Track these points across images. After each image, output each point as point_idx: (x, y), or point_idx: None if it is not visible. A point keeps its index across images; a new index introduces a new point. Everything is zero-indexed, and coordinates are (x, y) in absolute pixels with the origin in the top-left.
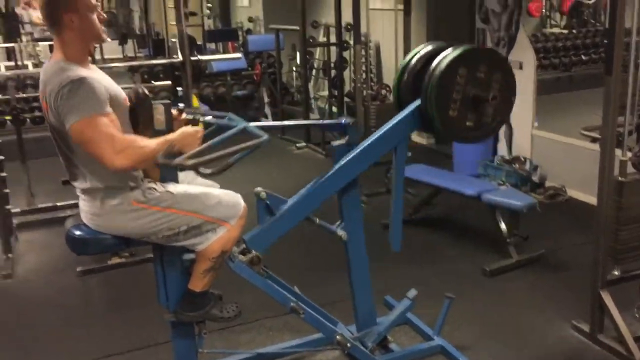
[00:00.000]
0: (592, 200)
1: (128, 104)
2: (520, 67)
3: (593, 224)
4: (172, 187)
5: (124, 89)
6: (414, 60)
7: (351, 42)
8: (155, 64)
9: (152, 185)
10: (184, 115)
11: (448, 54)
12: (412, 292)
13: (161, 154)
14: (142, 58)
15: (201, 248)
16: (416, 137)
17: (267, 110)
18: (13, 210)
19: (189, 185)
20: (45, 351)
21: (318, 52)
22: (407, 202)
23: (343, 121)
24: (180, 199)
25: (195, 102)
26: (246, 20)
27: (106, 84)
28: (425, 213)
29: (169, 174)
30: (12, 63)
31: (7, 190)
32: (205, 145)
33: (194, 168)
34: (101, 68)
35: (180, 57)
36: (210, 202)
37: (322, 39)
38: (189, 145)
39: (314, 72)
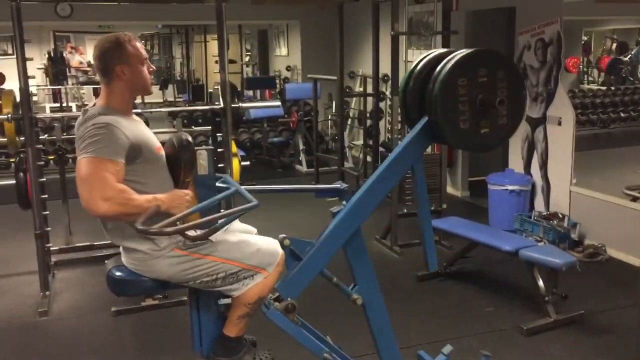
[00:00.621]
0: (634, 260)
1: (162, 152)
2: (559, 123)
3: (636, 286)
4: None
5: (165, 133)
6: (419, 67)
7: (387, 93)
8: (195, 109)
9: (192, 232)
10: None
11: (443, 69)
12: (448, 348)
13: (141, 219)
14: (181, 103)
15: (238, 294)
16: (451, 190)
17: (302, 157)
18: (52, 248)
19: (227, 231)
20: None
21: (354, 101)
22: (442, 254)
23: (340, 186)
24: (220, 246)
25: (234, 147)
26: (284, 69)
27: (136, 134)
28: (460, 266)
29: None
30: (57, 105)
31: (48, 229)
32: (193, 208)
33: (171, 234)
34: (143, 112)
35: (222, 104)
36: (248, 249)
37: (358, 89)
38: (178, 207)
39: (349, 121)
